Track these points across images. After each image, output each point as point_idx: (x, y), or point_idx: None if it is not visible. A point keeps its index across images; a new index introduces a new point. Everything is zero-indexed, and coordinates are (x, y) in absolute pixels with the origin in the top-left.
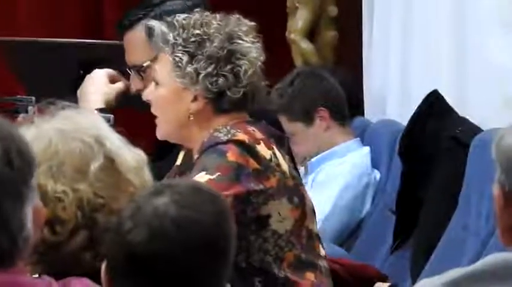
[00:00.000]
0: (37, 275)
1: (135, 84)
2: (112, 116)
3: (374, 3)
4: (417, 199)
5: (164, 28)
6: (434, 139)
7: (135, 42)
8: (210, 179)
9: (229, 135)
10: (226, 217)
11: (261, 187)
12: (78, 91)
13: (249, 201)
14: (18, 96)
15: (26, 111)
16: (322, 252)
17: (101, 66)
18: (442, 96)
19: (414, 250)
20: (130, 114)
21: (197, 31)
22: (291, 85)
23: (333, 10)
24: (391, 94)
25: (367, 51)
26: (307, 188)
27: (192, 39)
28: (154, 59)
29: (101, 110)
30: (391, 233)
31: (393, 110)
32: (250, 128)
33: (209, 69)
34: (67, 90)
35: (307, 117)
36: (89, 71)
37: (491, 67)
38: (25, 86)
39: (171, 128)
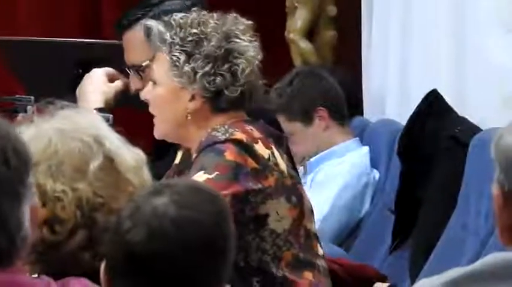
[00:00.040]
0: (36, 275)
1: (134, 84)
2: (111, 115)
3: (373, 3)
4: (416, 199)
5: (161, 27)
6: (434, 139)
7: (134, 42)
8: (208, 178)
9: (227, 135)
10: (226, 217)
11: (259, 186)
12: (77, 90)
13: (247, 200)
14: (17, 95)
15: (25, 111)
16: (320, 251)
17: (99, 65)
18: (441, 96)
19: (413, 250)
20: (129, 114)
21: (194, 30)
22: (290, 85)
23: (332, 10)
24: (390, 94)
25: (366, 51)
26: (306, 188)
27: (190, 38)
28: (153, 59)
29: (100, 110)
30: (390, 233)
31: (392, 109)
32: (248, 127)
33: (206, 69)
34: (66, 89)
35: (306, 117)
36: (87, 70)
37: (491, 67)
38: (24, 85)
39: (169, 128)
